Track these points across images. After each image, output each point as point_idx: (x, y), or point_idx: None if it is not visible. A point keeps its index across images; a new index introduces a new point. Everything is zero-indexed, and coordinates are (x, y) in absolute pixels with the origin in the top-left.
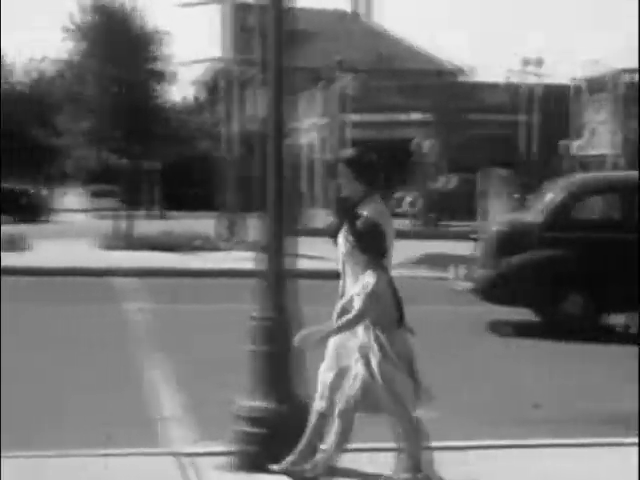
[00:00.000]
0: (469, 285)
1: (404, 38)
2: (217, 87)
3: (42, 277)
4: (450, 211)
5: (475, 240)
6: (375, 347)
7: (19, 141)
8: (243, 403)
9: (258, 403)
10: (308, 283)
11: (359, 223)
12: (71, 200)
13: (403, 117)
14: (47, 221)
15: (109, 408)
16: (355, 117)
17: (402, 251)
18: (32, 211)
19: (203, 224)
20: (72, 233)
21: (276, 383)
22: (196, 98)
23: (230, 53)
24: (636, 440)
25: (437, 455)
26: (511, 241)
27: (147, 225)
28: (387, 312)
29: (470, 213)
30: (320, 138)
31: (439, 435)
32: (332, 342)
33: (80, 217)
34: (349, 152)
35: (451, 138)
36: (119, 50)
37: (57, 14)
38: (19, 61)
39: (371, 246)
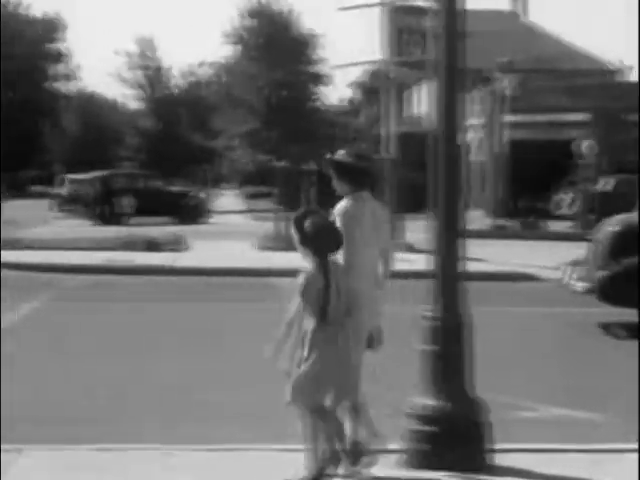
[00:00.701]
0: (585, 286)
1: (563, 37)
2: (374, 89)
3: (203, 277)
4: (608, 213)
5: (590, 241)
6: (304, 340)
7: (177, 144)
8: (414, 401)
9: (429, 401)
10: (469, 285)
11: (308, 221)
12: (227, 201)
13: (562, 118)
14: (205, 222)
15: (279, 404)
16: (513, 118)
17: (562, 253)
18: (192, 212)
19: None
20: (230, 234)
21: (447, 382)
22: (350, 100)
23: (388, 55)
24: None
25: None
26: (625, 241)
27: None
28: (313, 307)
29: None
30: (477, 138)
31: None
32: None
33: (237, 218)
34: (339, 154)
35: (611, 139)
36: (278, 53)
37: (214, 19)
38: (177, 65)
39: (310, 243)
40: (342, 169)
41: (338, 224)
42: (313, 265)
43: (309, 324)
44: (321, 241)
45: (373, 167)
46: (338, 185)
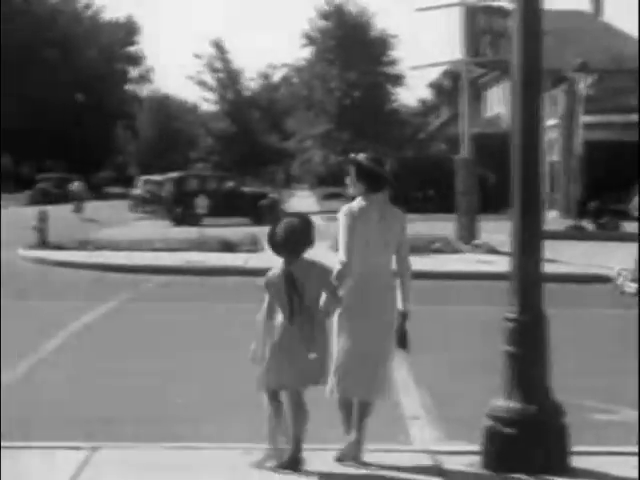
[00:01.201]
0: (636, 287)
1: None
2: (451, 89)
3: None
4: None
5: None
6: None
7: (250, 145)
8: (493, 403)
9: (508, 403)
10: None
11: (279, 225)
12: (299, 202)
13: (637, 118)
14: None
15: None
16: (588, 118)
17: (635, 254)
18: (266, 213)
19: (439, 226)
20: None
21: (525, 383)
22: (423, 101)
23: (466, 55)
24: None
25: None
26: None
27: None
28: (278, 304)
29: None
30: (550, 139)
31: None
32: None
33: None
34: (361, 156)
35: None
36: (351, 55)
37: (287, 21)
38: (249, 67)
39: (277, 246)
40: (361, 171)
41: (340, 222)
42: (281, 265)
43: (279, 317)
44: (288, 243)
45: (389, 172)
46: (354, 185)
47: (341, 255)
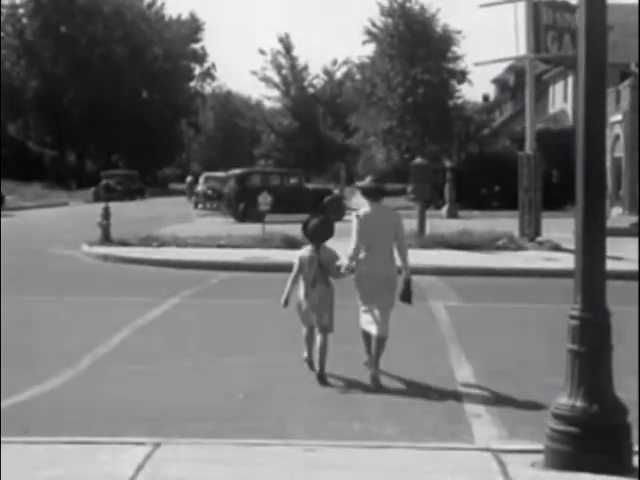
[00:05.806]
0: None
1: None
2: (514, 85)
3: None
4: None
5: None
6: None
7: (313, 141)
8: (556, 401)
9: (571, 401)
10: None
11: (312, 220)
12: (361, 199)
13: None
14: (343, 220)
15: (426, 404)
16: None
17: None
18: (330, 210)
19: (503, 223)
20: None
21: (588, 381)
22: (485, 97)
23: (530, 51)
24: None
25: None
26: None
27: (440, 224)
28: (307, 275)
29: None
30: (613, 135)
31: None
32: None
33: None
34: (365, 181)
35: None
36: (413, 51)
37: (349, 18)
38: (311, 64)
39: (307, 234)
40: (363, 191)
41: (353, 223)
42: (310, 248)
43: (302, 283)
44: (315, 234)
45: (385, 188)
46: (363, 199)
47: (352, 244)
